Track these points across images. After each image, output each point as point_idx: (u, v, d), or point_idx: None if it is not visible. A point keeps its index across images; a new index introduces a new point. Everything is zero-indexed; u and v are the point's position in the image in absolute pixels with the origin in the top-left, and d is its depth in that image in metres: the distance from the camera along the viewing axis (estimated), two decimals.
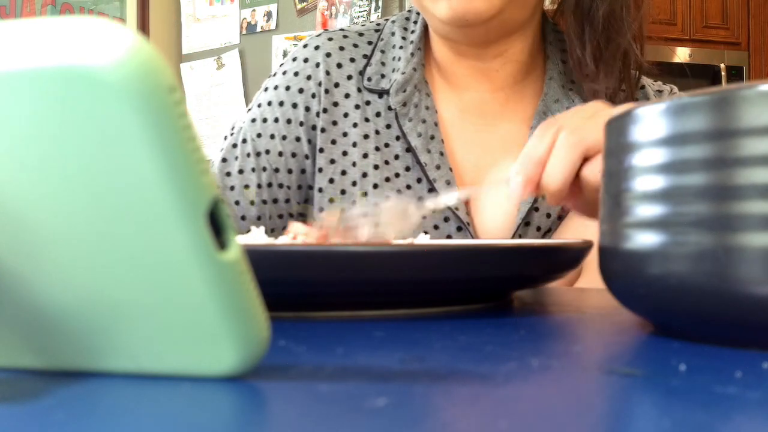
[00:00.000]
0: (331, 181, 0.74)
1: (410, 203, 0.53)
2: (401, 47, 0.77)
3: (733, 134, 0.24)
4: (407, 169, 0.73)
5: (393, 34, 0.79)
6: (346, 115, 0.75)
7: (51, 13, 2.50)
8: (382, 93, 0.75)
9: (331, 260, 0.33)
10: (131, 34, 0.17)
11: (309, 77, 0.76)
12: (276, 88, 0.78)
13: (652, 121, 0.27)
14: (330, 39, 0.78)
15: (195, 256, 0.18)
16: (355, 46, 0.78)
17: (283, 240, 0.43)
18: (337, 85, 0.76)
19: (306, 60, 0.77)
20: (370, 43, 0.79)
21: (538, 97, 0.76)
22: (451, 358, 0.24)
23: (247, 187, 0.76)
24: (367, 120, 0.75)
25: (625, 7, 0.71)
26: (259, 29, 2.48)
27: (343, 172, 0.74)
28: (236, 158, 0.77)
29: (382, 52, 0.78)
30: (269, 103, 0.77)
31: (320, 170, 0.75)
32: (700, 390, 0.19)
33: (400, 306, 0.37)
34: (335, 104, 0.75)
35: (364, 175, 0.73)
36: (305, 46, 0.79)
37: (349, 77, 0.76)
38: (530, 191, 0.50)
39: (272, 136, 0.76)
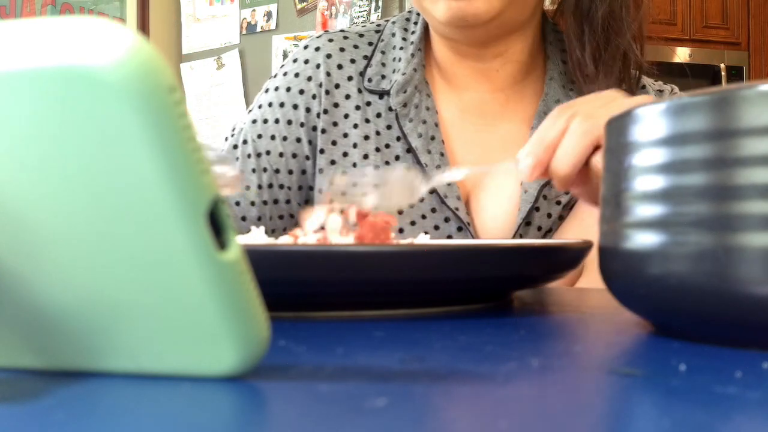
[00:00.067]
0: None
1: (417, 176, 0.53)
2: (401, 48, 0.77)
3: (733, 134, 0.24)
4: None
5: (393, 34, 0.79)
6: (346, 116, 0.75)
7: (51, 13, 2.50)
8: (382, 94, 0.75)
9: (331, 260, 0.33)
10: (131, 34, 0.17)
11: (309, 78, 0.76)
12: (276, 89, 0.78)
13: (652, 121, 0.27)
14: (330, 40, 0.78)
15: (195, 256, 0.18)
16: (356, 47, 0.78)
17: (284, 240, 0.43)
18: (337, 86, 0.76)
19: (306, 61, 0.77)
20: (370, 44, 0.79)
21: (538, 98, 0.76)
22: (451, 358, 0.24)
23: (247, 187, 0.76)
24: (367, 121, 0.75)
25: (624, 7, 0.71)
26: (259, 29, 2.49)
27: (344, 173, 0.74)
28: (237, 159, 0.77)
29: (383, 53, 0.78)
30: (270, 104, 0.77)
31: (321, 171, 0.75)
32: (700, 390, 0.19)
33: (400, 306, 0.37)
34: (336, 105, 0.75)
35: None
36: (306, 47, 0.79)
37: (350, 78, 0.76)
38: (538, 174, 0.50)
39: (273, 137, 0.76)
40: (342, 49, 0.78)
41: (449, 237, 0.71)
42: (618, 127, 0.29)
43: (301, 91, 0.76)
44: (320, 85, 0.76)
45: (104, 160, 0.17)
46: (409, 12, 0.81)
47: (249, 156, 0.76)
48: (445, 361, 0.24)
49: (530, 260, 0.38)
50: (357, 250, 0.34)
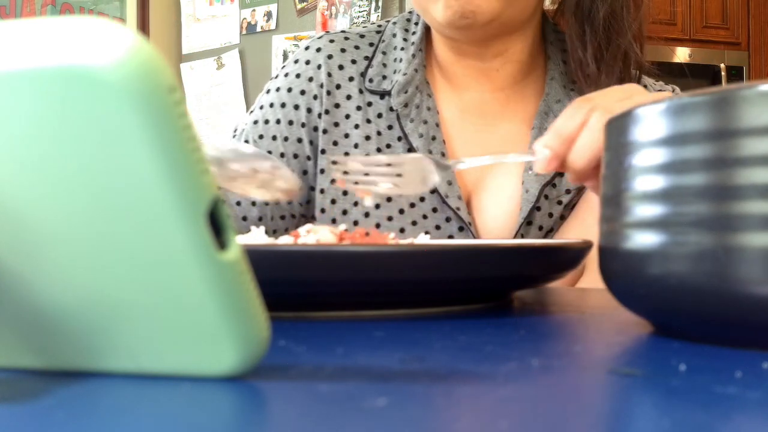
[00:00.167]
0: (333, 182, 0.74)
1: (430, 164, 0.52)
2: (402, 48, 0.77)
3: (733, 134, 0.24)
4: None
5: (394, 35, 0.79)
6: (347, 116, 0.75)
7: (51, 13, 2.50)
8: (383, 94, 0.75)
9: (331, 260, 0.33)
10: (131, 34, 0.17)
11: (311, 79, 0.77)
12: (278, 89, 0.78)
13: (652, 121, 0.27)
14: (331, 41, 0.78)
15: (195, 256, 0.18)
16: (357, 47, 0.78)
17: (284, 240, 0.43)
18: (338, 86, 0.76)
19: (308, 62, 0.78)
20: (371, 44, 0.79)
21: (538, 97, 0.76)
22: (451, 358, 0.24)
23: None
24: (368, 121, 0.75)
25: (625, 7, 0.71)
26: (259, 29, 2.49)
27: (345, 173, 0.74)
28: None
29: (384, 53, 0.78)
30: (271, 105, 0.77)
31: (322, 171, 0.75)
32: (700, 390, 0.19)
33: (400, 306, 0.37)
34: (337, 106, 0.76)
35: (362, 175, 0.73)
36: (307, 48, 0.79)
37: (351, 79, 0.76)
38: (554, 166, 0.50)
39: (274, 138, 0.76)
40: (343, 50, 0.78)
41: (450, 237, 0.71)
42: (618, 127, 0.29)
43: (302, 92, 0.76)
44: (321, 86, 0.76)
45: (104, 160, 0.17)
46: (410, 12, 0.81)
47: None
48: (445, 361, 0.24)
49: (530, 260, 0.38)
50: (357, 250, 0.34)
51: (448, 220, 0.72)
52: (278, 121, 0.77)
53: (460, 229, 0.71)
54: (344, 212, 0.74)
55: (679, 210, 0.25)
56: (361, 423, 0.16)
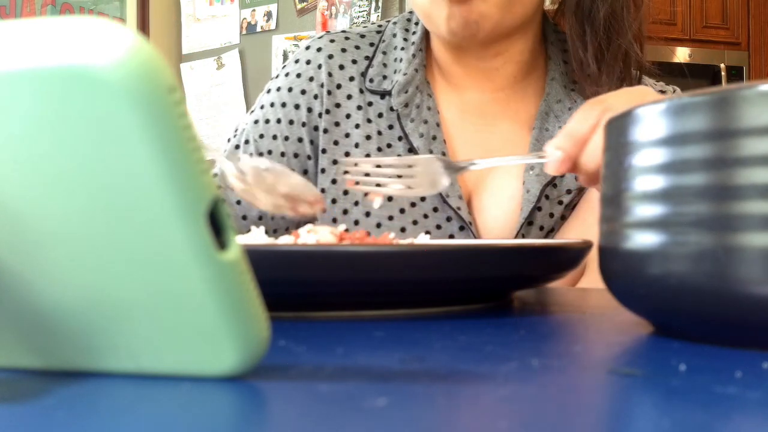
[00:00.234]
0: (334, 181, 0.74)
1: (442, 164, 0.52)
2: (402, 48, 0.77)
3: (733, 134, 0.24)
4: None
5: (394, 35, 0.79)
6: (348, 116, 0.75)
7: (51, 13, 2.50)
8: (384, 94, 0.75)
9: (331, 260, 0.33)
10: (131, 34, 0.17)
11: (311, 79, 0.77)
12: (278, 89, 0.78)
13: (652, 121, 0.27)
14: (332, 41, 0.79)
15: (195, 256, 0.18)
16: (357, 47, 0.78)
17: (284, 240, 0.43)
18: (339, 86, 0.76)
19: (308, 62, 0.78)
20: (371, 44, 0.79)
21: (539, 98, 0.76)
22: (451, 358, 0.24)
23: None
24: (369, 121, 0.75)
25: (625, 7, 0.71)
26: (259, 29, 2.48)
27: (345, 173, 0.74)
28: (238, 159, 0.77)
29: (384, 53, 0.78)
30: (272, 105, 0.78)
31: (323, 171, 0.75)
32: (700, 390, 0.19)
33: (400, 306, 0.37)
34: (337, 105, 0.76)
35: (367, 175, 0.74)
36: (307, 48, 0.79)
37: (351, 79, 0.77)
38: (566, 168, 0.50)
39: (274, 137, 0.76)
40: (344, 50, 0.78)
41: (451, 236, 0.71)
42: (618, 126, 0.29)
43: (303, 92, 0.76)
44: (322, 86, 0.76)
45: (104, 160, 0.17)
46: (410, 13, 0.81)
47: (251, 155, 0.76)
48: (445, 361, 0.24)
49: (530, 260, 0.38)
50: (357, 250, 0.34)
51: (448, 219, 0.72)
52: (279, 121, 0.77)
53: (461, 228, 0.71)
54: (345, 212, 0.74)
55: (679, 210, 0.25)
56: (361, 423, 0.16)
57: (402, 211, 0.72)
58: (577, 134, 0.49)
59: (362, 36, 0.80)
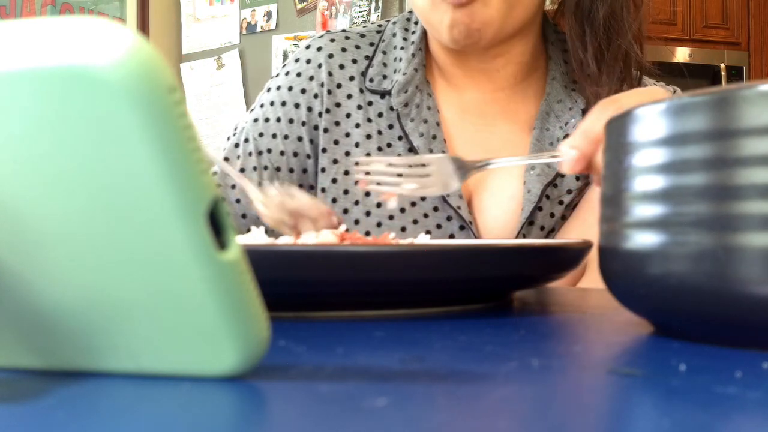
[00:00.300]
0: (334, 181, 0.74)
1: (453, 164, 0.52)
2: (402, 48, 0.77)
3: (733, 134, 0.24)
4: None
5: (394, 35, 0.79)
6: (348, 115, 0.75)
7: (51, 13, 2.50)
8: (384, 93, 0.75)
9: (331, 260, 0.33)
10: (131, 34, 0.17)
11: (311, 78, 0.77)
12: (278, 88, 0.78)
13: (652, 121, 0.27)
14: (332, 40, 0.79)
15: (195, 256, 0.18)
16: (357, 47, 0.78)
17: (284, 240, 0.43)
18: (339, 85, 0.76)
19: (308, 61, 0.78)
20: (371, 44, 0.79)
21: (539, 98, 0.76)
22: (451, 358, 0.24)
23: None
24: (369, 120, 0.75)
25: (625, 7, 0.71)
26: (259, 29, 2.48)
27: (346, 173, 0.74)
28: (238, 157, 0.77)
29: (384, 53, 0.78)
30: (272, 103, 0.78)
31: (323, 170, 0.75)
32: (700, 390, 0.19)
33: (400, 306, 0.37)
34: (337, 105, 0.76)
35: (367, 174, 0.74)
36: (308, 47, 0.79)
37: (351, 78, 0.77)
38: (581, 168, 0.50)
39: (274, 136, 0.76)
40: (344, 49, 0.78)
41: (451, 236, 0.71)
42: (618, 126, 0.29)
43: (303, 91, 0.77)
44: (322, 85, 0.76)
45: (104, 160, 0.17)
46: (410, 12, 0.81)
47: (250, 154, 0.76)
48: (445, 361, 0.24)
49: (530, 260, 0.38)
50: (357, 250, 0.34)
51: (449, 219, 0.72)
52: (278, 120, 0.77)
53: (461, 228, 0.71)
54: (345, 211, 0.74)
55: (679, 210, 0.25)
56: (361, 423, 0.16)
57: (402, 210, 0.72)
58: (591, 133, 0.49)
59: (362, 35, 0.80)
